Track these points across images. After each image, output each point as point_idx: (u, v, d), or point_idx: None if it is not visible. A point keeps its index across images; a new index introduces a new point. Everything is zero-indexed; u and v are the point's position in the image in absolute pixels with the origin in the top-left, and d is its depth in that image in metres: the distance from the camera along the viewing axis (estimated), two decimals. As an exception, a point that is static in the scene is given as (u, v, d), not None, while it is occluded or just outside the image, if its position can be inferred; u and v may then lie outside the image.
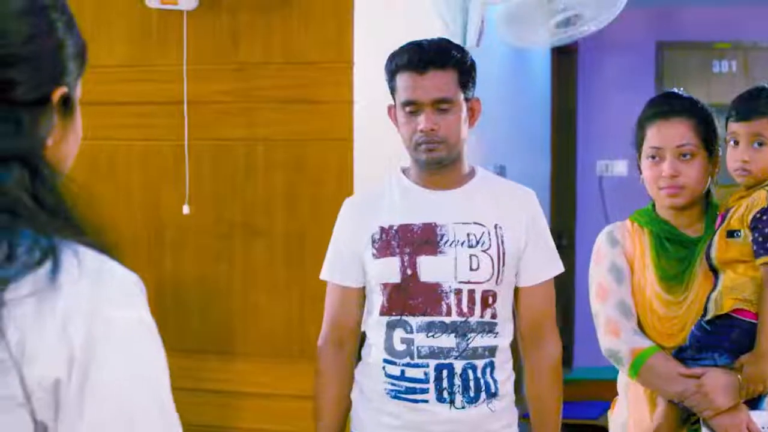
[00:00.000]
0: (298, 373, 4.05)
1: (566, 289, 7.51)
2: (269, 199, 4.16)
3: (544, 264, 3.26)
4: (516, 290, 3.25)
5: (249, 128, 4.18)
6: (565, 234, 8.49)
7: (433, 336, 3.12)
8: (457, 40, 4.97)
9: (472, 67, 3.18)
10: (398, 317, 3.15)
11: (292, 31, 4.12)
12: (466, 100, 3.16)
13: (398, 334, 3.16)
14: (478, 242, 3.14)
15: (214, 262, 4.25)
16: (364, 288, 3.27)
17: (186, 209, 4.19)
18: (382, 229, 3.19)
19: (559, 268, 3.30)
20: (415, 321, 3.13)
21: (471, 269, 3.12)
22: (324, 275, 3.33)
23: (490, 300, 3.15)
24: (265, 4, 4.14)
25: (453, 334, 3.11)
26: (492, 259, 3.14)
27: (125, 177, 4.35)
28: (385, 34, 4.24)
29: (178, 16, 4.19)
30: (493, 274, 3.14)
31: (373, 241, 3.19)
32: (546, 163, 8.28)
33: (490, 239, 3.15)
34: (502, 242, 3.16)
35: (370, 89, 4.10)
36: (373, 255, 3.19)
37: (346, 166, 4.03)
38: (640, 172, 3.27)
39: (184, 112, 4.20)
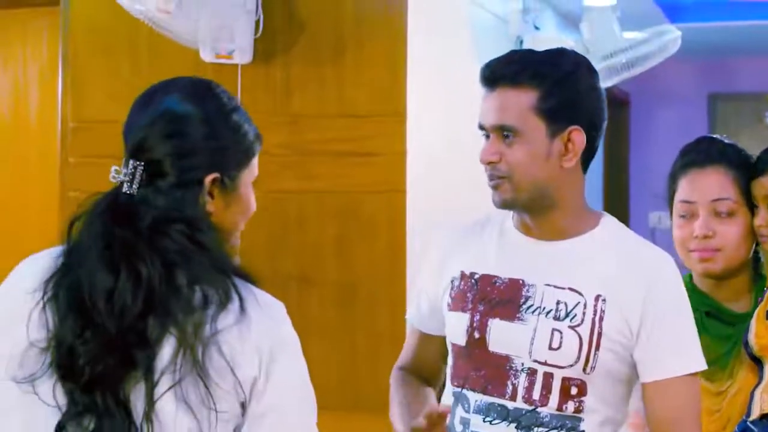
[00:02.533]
0: (352, 424, 4.04)
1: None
2: (322, 251, 4.17)
3: (671, 354, 2.41)
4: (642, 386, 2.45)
5: (302, 180, 4.20)
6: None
7: (489, 422, 2.44)
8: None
9: (570, 87, 2.43)
10: (460, 389, 2.50)
11: (345, 83, 4.15)
12: (555, 130, 2.41)
13: (459, 411, 2.50)
14: (567, 315, 2.40)
15: (266, 313, 4.25)
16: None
17: (237, 260, 4.20)
18: (463, 274, 2.53)
19: (694, 364, 2.42)
20: (474, 398, 2.46)
21: (550, 347, 2.39)
22: (407, 314, 2.76)
23: (574, 391, 2.40)
24: (318, 57, 4.17)
25: (514, 425, 2.42)
26: (580, 339, 2.39)
27: (179, 228, 4.37)
28: (438, 85, 4.26)
29: (232, 69, 4.22)
30: (578, 358, 2.38)
31: (452, 288, 2.55)
32: (598, 214, 8.25)
33: (584, 313, 2.39)
34: (601, 319, 2.39)
35: (423, 141, 4.11)
36: (448, 305, 2.55)
37: (399, 218, 4.03)
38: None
39: (238, 164, 4.22)
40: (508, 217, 2.55)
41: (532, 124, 2.39)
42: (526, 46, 5.03)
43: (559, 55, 2.48)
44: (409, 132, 4.05)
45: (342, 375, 4.14)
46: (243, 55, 4.14)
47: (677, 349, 2.40)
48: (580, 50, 5.16)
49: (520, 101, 2.39)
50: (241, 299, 1.94)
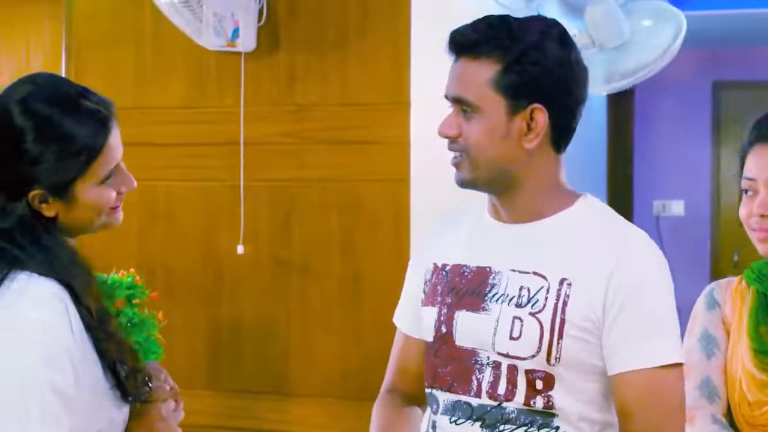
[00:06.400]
0: (353, 413, 4.04)
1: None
2: (325, 240, 4.16)
3: (637, 344, 2.13)
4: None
5: (305, 169, 4.19)
6: (622, 275, 8.44)
7: (455, 422, 2.24)
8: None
9: (534, 61, 2.17)
10: (430, 390, 2.31)
11: (348, 72, 4.13)
12: (515, 108, 2.18)
13: (428, 413, 2.33)
14: (529, 301, 2.17)
15: (269, 302, 4.25)
16: None
17: (240, 249, 4.21)
18: (435, 267, 2.35)
19: (666, 355, 2.14)
20: (442, 398, 2.27)
21: (511, 337, 2.17)
22: (394, 317, 2.52)
23: (540, 385, 2.17)
24: (321, 46, 4.16)
25: (479, 423, 2.21)
26: (541, 327, 2.15)
27: (181, 216, 4.37)
28: (441, 74, 4.23)
29: (236, 58, 4.22)
30: (539, 348, 2.15)
31: (425, 282, 2.36)
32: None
33: (546, 298, 2.17)
34: (564, 304, 2.15)
35: (426, 130, 4.10)
36: (421, 301, 2.36)
37: (402, 207, 4.02)
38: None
39: (241, 153, 4.22)
40: (483, 204, 2.36)
41: (491, 100, 2.18)
42: (530, 34, 5.01)
43: (527, 23, 2.22)
44: (412, 121, 4.04)
45: (344, 364, 4.13)
46: (246, 44, 4.13)
47: (646, 338, 2.14)
48: (584, 39, 5.16)
49: (479, 74, 2.19)
50: None
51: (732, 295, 2.48)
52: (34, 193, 2.05)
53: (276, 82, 4.23)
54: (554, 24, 2.25)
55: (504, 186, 2.24)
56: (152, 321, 3.73)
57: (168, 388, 2.23)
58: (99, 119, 2.09)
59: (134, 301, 3.71)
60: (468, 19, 2.22)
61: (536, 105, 2.18)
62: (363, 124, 4.10)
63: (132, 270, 3.82)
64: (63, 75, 4.55)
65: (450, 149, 2.26)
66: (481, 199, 2.37)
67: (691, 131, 8.92)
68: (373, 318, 3.99)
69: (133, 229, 4.38)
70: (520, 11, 5.11)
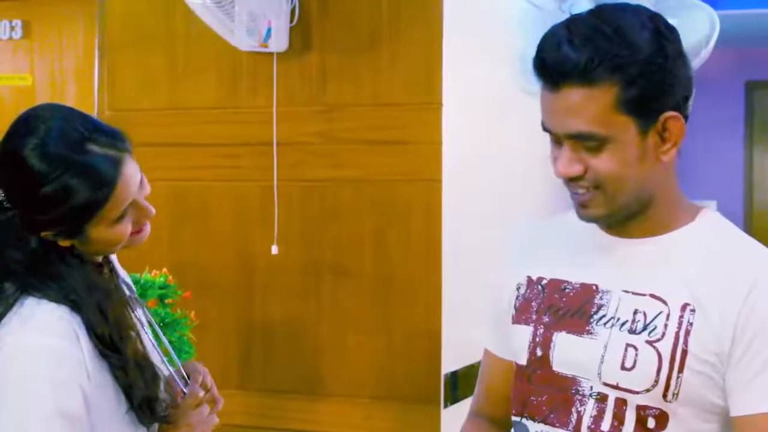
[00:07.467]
0: (384, 413, 4.04)
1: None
2: (358, 240, 4.16)
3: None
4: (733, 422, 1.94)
5: (337, 169, 4.20)
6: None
7: None
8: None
9: (657, 67, 1.87)
10: (519, 418, 2.09)
11: (380, 72, 4.13)
12: (646, 124, 1.91)
13: None
14: (645, 327, 1.93)
15: (301, 302, 4.25)
16: None
17: (275, 249, 4.21)
18: (529, 281, 2.12)
19: None
20: (534, 429, 2.05)
21: (623, 367, 1.93)
22: (479, 333, 2.35)
23: (652, 423, 1.92)
24: (353, 46, 4.16)
25: None
26: (660, 358, 1.91)
27: (214, 216, 4.38)
28: (473, 74, 4.24)
29: (268, 58, 4.22)
30: (657, 381, 1.90)
31: (517, 297, 2.15)
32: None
33: (666, 326, 1.92)
34: (687, 334, 1.90)
35: (459, 130, 4.09)
36: (512, 317, 2.14)
37: (434, 207, 4.02)
38: None
39: (274, 153, 4.22)
40: None
41: (618, 124, 1.89)
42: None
43: (627, 21, 1.90)
44: (445, 121, 4.03)
45: (376, 365, 4.13)
46: (278, 44, 4.13)
47: None
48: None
49: (598, 102, 1.87)
50: (7, 310, 2.04)
51: None
52: (47, 233, 2.07)
53: (308, 82, 4.24)
54: (654, 15, 1.96)
55: (639, 207, 2.01)
56: (184, 320, 3.75)
57: (201, 393, 2.22)
58: (110, 161, 2.05)
59: (167, 301, 3.73)
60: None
61: (669, 114, 1.93)
62: (395, 125, 4.10)
63: (165, 270, 3.83)
64: (96, 76, 4.58)
65: (573, 187, 1.98)
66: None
67: (723, 131, 8.89)
68: (405, 318, 3.98)
69: (166, 230, 4.39)
70: (551, 11, 5.11)
